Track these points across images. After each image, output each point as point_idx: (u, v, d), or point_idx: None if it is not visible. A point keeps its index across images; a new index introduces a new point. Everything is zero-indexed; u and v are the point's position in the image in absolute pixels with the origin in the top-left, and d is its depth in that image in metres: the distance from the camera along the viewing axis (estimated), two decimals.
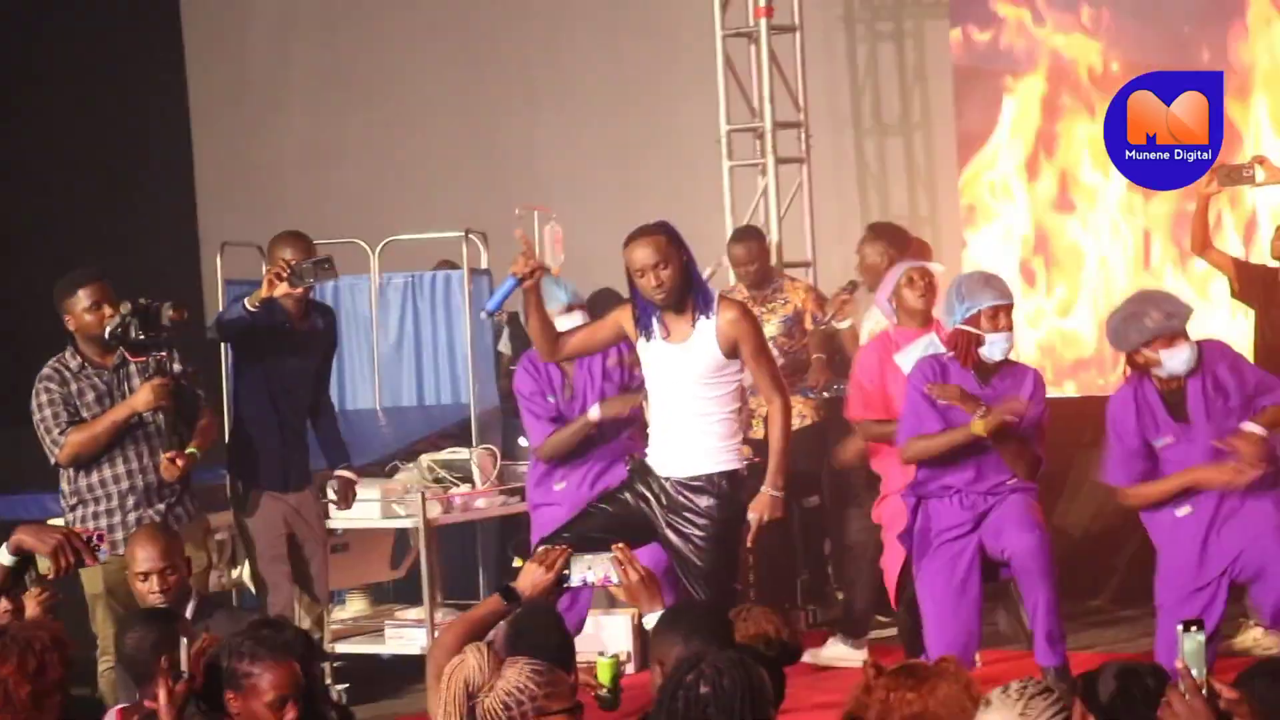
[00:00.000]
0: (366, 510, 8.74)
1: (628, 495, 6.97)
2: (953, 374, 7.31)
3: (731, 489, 6.89)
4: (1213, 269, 9.13)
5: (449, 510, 8.98)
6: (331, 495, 8.29)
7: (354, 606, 9.64)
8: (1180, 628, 3.60)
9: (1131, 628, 9.33)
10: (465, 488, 9.12)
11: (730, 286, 9.96)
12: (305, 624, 8.14)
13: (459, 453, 9.31)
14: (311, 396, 8.18)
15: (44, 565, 5.41)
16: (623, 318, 7.03)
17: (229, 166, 13.59)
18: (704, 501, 6.84)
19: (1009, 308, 7.28)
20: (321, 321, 8.21)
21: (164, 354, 7.38)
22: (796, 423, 9.50)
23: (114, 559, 6.92)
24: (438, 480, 9.15)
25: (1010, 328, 7.27)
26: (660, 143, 12.10)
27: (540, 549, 5.63)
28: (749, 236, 9.97)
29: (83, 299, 7.37)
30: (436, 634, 8.59)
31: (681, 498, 6.86)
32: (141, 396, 7.33)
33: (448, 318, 10.12)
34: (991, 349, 7.25)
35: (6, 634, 4.13)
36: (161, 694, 4.65)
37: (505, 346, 10.44)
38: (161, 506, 7.43)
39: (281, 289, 7.68)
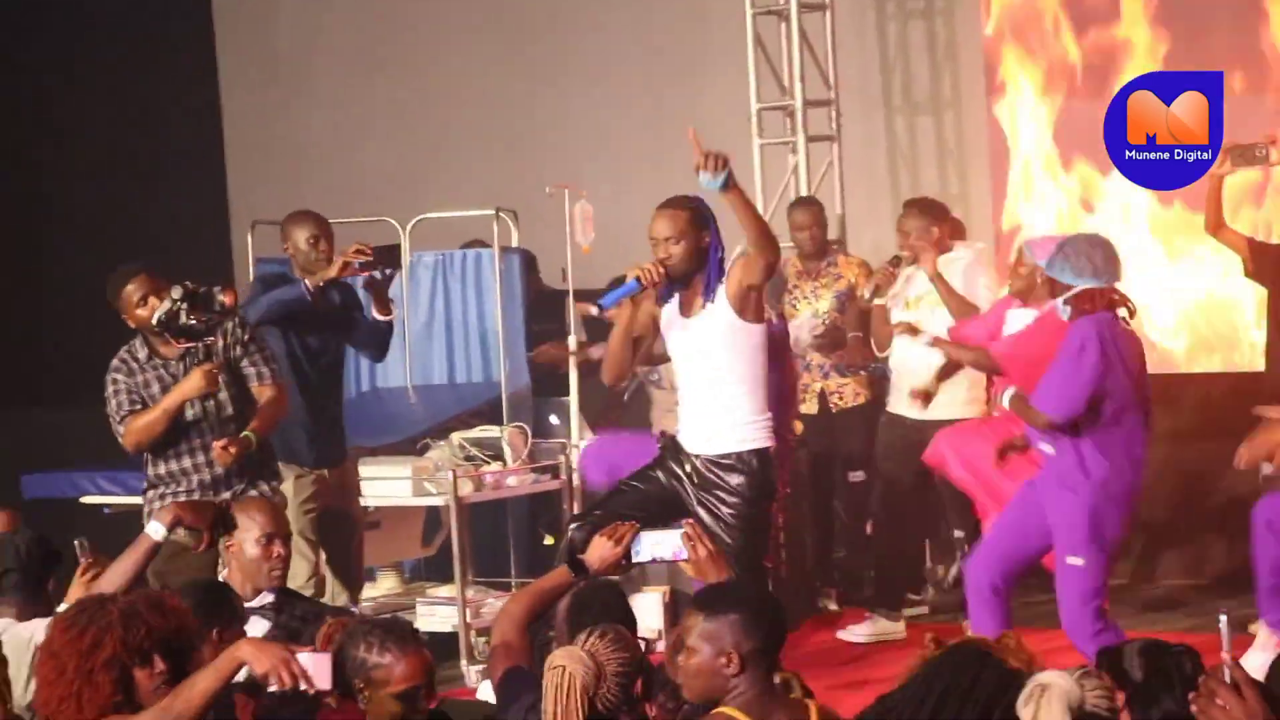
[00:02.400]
0: (398, 488, 8.77)
1: (659, 473, 6.98)
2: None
3: (762, 467, 6.89)
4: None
5: (480, 488, 8.99)
6: None
7: (385, 584, 9.67)
8: (1224, 618, 3.38)
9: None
10: (496, 466, 9.12)
11: None
12: (340, 600, 8.20)
13: (490, 431, 9.32)
14: (337, 374, 8.26)
15: (185, 537, 5.57)
16: (650, 306, 7.03)
17: (259, 145, 13.60)
18: (734, 480, 6.84)
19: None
20: (339, 298, 8.28)
21: (214, 339, 7.35)
22: (849, 401, 9.60)
23: (168, 543, 7.02)
24: (469, 458, 9.15)
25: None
26: (691, 120, 11.94)
27: (609, 525, 5.64)
28: (813, 203, 10.04)
29: (131, 295, 7.33)
30: (467, 611, 8.63)
31: (712, 475, 6.86)
32: (191, 382, 7.26)
33: (478, 296, 10.11)
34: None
35: (87, 607, 4.17)
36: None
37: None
38: (227, 496, 7.26)
39: (334, 270, 7.93)
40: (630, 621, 5.33)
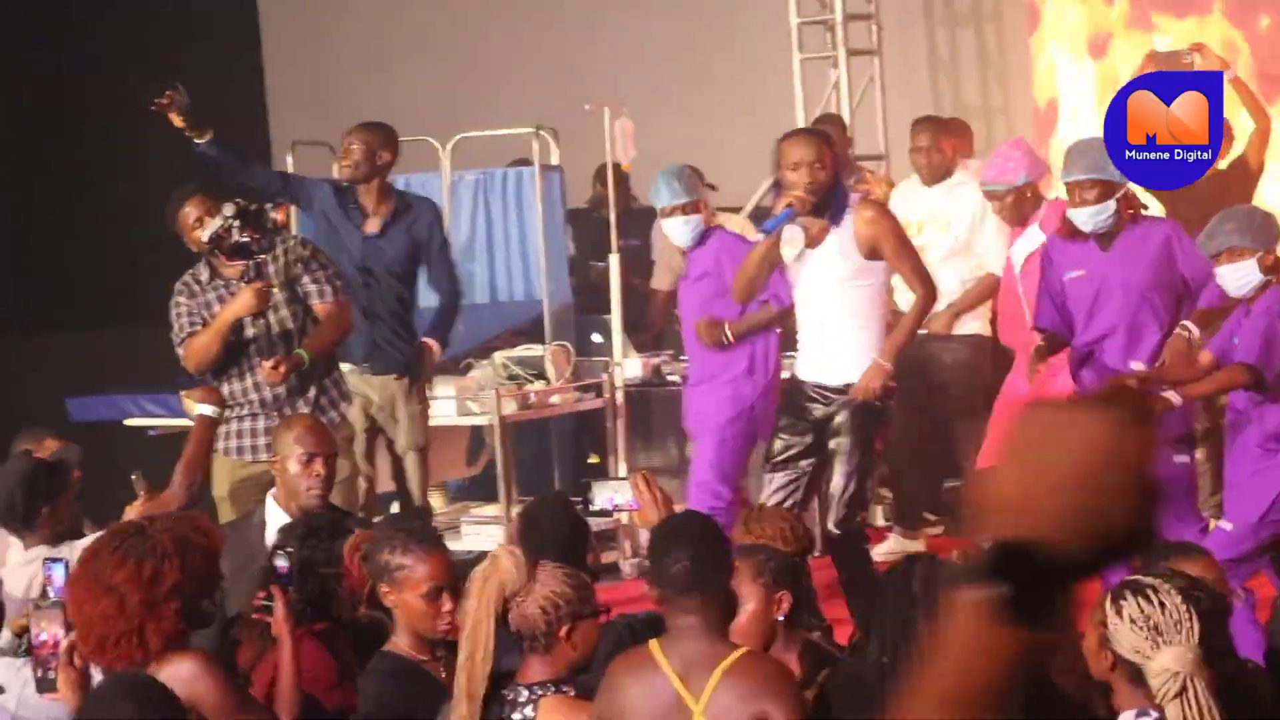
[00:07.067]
0: (442, 408, 8.78)
1: (796, 419, 7.18)
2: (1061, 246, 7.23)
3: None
4: None
5: (524, 407, 9.00)
6: None
7: (431, 503, 9.69)
8: None
9: None
10: (539, 384, 9.13)
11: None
12: None
13: (533, 349, 9.32)
14: (399, 283, 8.23)
15: (214, 412, 6.21)
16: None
17: (299, 66, 13.57)
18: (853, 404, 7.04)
19: (1092, 184, 7.06)
20: (404, 210, 8.27)
21: (265, 257, 7.31)
22: None
23: (240, 463, 7.22)
24: (512, 377, 9.16)
25: (1097, 201, 7.05)
26: (730, 36, 12.02)
27: None
28: (835, 119, 10.07)
29: (188, 216, 7.29)
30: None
31: (830, 403, 7.06)
32: (241, 300, 7.22)
33: (520, 214, 10.10)
34: (1078, 222, 7.15)
35: (128, 538, 4.16)
36: (278, 605, 4.72)
37: (570, 247, 10.41)
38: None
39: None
40: (581, 534, 5.39)
